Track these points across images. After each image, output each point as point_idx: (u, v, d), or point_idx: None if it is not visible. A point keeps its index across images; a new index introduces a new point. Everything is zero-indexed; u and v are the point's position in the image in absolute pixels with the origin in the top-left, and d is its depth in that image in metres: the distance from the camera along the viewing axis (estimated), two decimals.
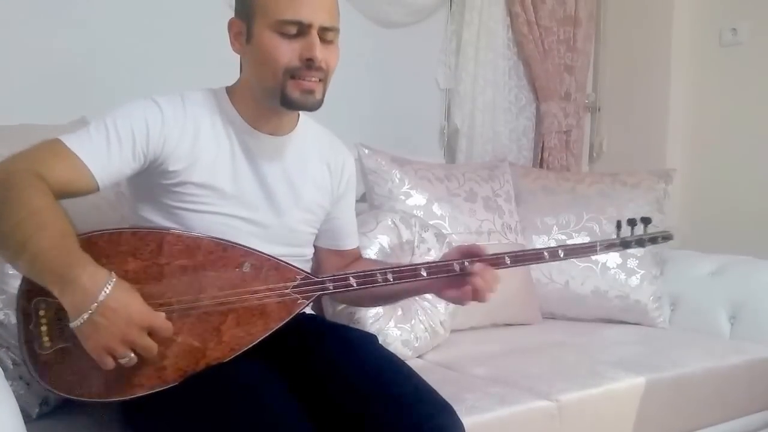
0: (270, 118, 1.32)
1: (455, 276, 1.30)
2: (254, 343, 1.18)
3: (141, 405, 1.13)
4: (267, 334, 1.19)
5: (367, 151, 2.11)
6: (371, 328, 1.74)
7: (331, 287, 1.25)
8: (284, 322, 1.20)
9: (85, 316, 1.01)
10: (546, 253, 1.38)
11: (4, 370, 1.25)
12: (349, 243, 1.54)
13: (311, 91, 1.25)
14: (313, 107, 1.28)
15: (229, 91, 1.34)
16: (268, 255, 1.22)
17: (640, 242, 1.47)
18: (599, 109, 3.10)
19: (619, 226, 1.46)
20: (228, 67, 1.38)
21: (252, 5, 1.25)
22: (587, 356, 1.88)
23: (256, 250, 1.22)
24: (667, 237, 1.53)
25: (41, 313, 1.11)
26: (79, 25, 1.97)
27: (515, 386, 1.62)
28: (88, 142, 1.18)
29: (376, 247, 1.84)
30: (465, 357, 1.86)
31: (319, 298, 1.41)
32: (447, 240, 2.02)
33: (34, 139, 1.17)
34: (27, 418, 1.18)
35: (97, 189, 1.19)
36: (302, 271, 1.25)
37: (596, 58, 3.08)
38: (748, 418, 2.00)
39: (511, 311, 2.21)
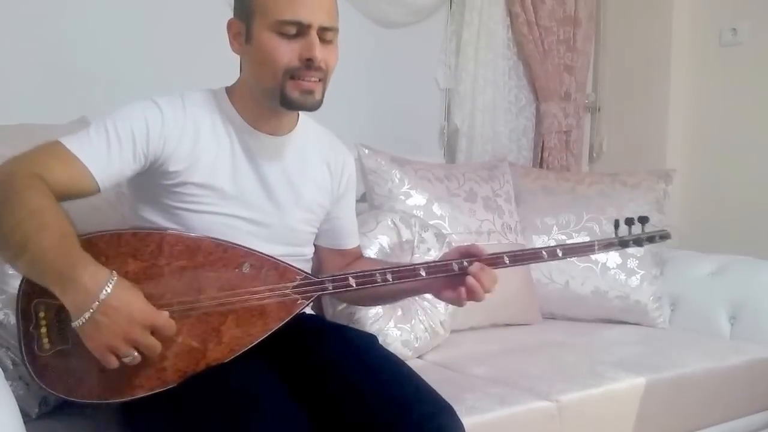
0: (270, 118, 1.32)
1: (451, 277, 1.29)
2: (254, 344, 1.18)
3: (141, 406, 1.13)
4: (267, 335, 1.19)
5: (367, 151, 2.11)
6: (371, 328, 1.74)
7: (330, 287, 1.25)
8: (284, 322, 1.20)
9: (87, 315, 1.01)
10: (545, 253, 1.38)
11: (4, 370, 1.25)
12: (350, 242, 1.54)
13: (311, 92, 1.25)
14: (312, 107, 1.28)
15: (229, 91, 1.34)
16: (268, 255, 1.22)
17: (638, 241, 1.48)
18: (599, 109, 3.10)
19: (617, 225, 1.46)
20: (228, 67, 1.38)
21: (251, 6, 1.25)
22: (587, 356, 1.88)
23: (255, 251, 1.22)
24: (664, 236, 1.53)
25: (41, 314, 1.11)
26: (80, 25, 1.97)
27: (515, 386, 1.62)
28: (88, 144, 1.18)
29: (376, 247, 1.84)
30: (465, 357, 1.86)
31: (319, 298, 1.41)
32: (447, 240, 2.02)
33: (34, 139, 1.17)
34: (26, 418, 1.18)
35: (98, 190, 1.19)
36: (302, 271, 1.25)
37: (596, 58, 3.08)
38: (748, 419, 1.99)
39: (511, 311, 2.21)
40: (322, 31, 1.23)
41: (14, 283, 1.20)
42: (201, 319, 1.16)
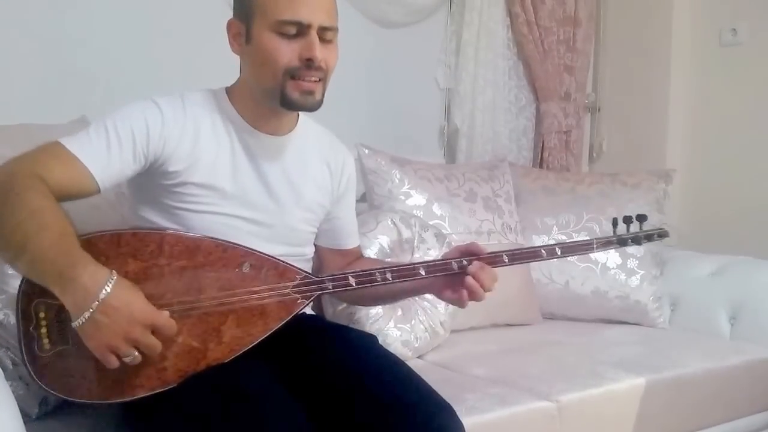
0: (270, 118, 1.32)
1: (452, 277, 1.29)
2: (254, 344, 1.18)
3: (141, 406, 1.13)
4: (267, 335, 1.19)
5: (367, 151, 2.11)
6: (371, 328, 1.74)
7: (330, 287, 1.25)
8: (284, 322, 1.20)
9: (87, 314, 1.01)
10: (544, 251, 1.38)
11: (4, 370, 1.25)
12: (350, 242, 1.54)
13: (311, 92, 1.25)
14: (312, 108, 1.28)
15: (229, 91, 1.34)
16: (268, 255, 1.22)
17: (637, 239, 1.48)
18: (599, 109, 3.10)
19: (615, 223, 1.47)
20: (228, 67, 1.38)
21: (251, 6, 1.25)
22: (587, 357, 1.88)
23: (255, 251, 1.22)
24: (662, 234, 1.53)
25: (41, 315, 1.10)
26: (80, 25, 1.97)
27: (515, 387, 1.62)
28: (88, 144, 1.18)
29: (376, 247, 1.84)
30: (465, 357, 1.86)
31: (318, 298, 1.41)
32: (447, 240, 2.02)
33: (34, 139, 1.17)
34: (26, 418, 1.18)
35: (98, 191, 1.19)
36: (302, 270, 1.25)
37: (596, 58, 3.08)
38: (748, 419, 1.99)
39: (511, 311, 2.21)
40: (322, 30, 1.23)
41: (14, 283, 1.20)
42: (201, 319, 1.16)
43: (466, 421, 1.20)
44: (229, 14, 1.31)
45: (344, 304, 1.75)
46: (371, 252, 1.81)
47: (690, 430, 1.87)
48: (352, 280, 1.24)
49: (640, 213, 1.48)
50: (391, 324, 1.80)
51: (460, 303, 1.31)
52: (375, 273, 1.25)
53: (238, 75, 1.35)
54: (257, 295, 1.19)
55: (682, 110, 2.89)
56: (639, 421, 1.72)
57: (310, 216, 1.42)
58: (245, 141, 1.31)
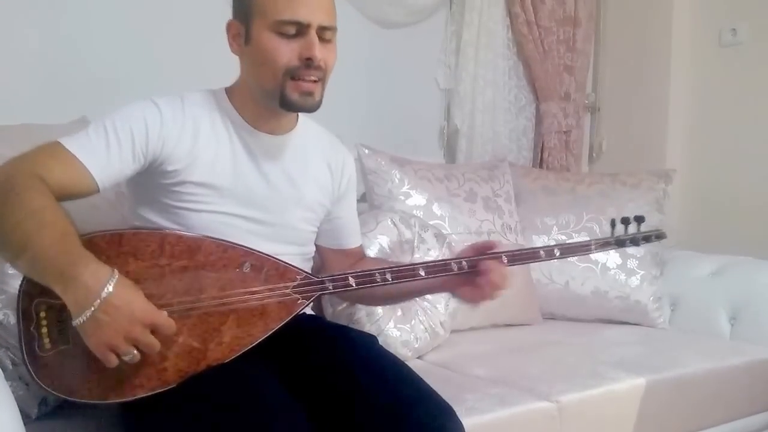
0: (269, 118, 1.32)
1: (467, 275, 1.30)
2: (254, 344, 1.18)
3: (141, 405, 1.13)
4: (267, 335, 1.19)
5: (367, 151, 2.11)
6: (371, 328, 1.74)
7: (330, 287, 1.25)
8: (284, 322, 1.20)
9: (88, 313, 1.01)
10: (542, 252, 1.38)
11: (4, 370, 1.25)
12: (352, 242, 1.54)
13: (310, 93, 1.25)
14: (311, 109, 1.28)
15: (229, 91, 1.35)
16: (268, 255, 1.22)
17: (634, 241, 1.49)
18: (599, 109, 3.10)
19: (613, 224, 1.47)
20: (228, 67, 1.38)
21: (250, 6, 1.25)
22: (587, 357, 1.88)
23: (256, 251, 1.22)
24: (660, 236, 1.54)
25: (42, 314, 1.10)
26: (80, 25, 1.97)
27: (515, 387, 1.62)
28: (87, 144, 1.18)
29: (376, 247, 1.84)
30: (465, 358, 1.86)
31: (318, 298, 1.41)
32: (447, 240, 2.02)
33: (34, 139, 1.17)
34: (26, 418, 1.18)
35: (98, 190, 1.19)
36: (302, 271, 1.25)
37: (596, 58, 3.08)
38: (748, 419, 1.99)
39: (511, 312, 2.21)
40: (321, 30, 1.23)
41: (14, 283, 1.20)
42: (202, 319, 1.15)
43: (466, 421, 1.20)
44: (230, 14, 1.31)
45: (344, 304, 1.75)
46: (371, 252, 1.81)
47: (690, 430, 1.87)
48: (352, 281, 1.24)
49: (637, 215, 1.48)
50: (391, 324, 1.80)
51: (475, 300, 1.31)
52: (375, 274, 1.25)
53: (238, 75, 1.35)
54: (258, 296, 1.19)
55: (682, 110, 2.89)
56: (639, 421, 1.72)
57: (311, 215, 1.42)
58: (245, 140, 1.31)
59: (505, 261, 1.33)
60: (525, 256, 1.40)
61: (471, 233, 2.18)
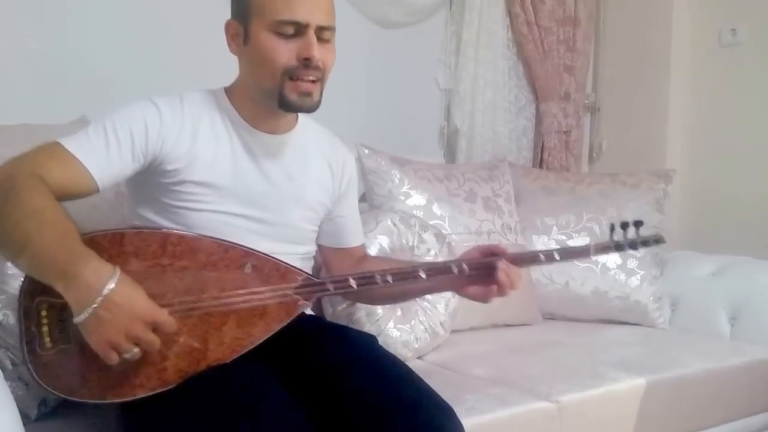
0: (268, 117, 1.32)
1: (477, 274, 1.30)
2: (255, 345, 1.18)
3: (141, 405, 1.13)
4: (268, 336, 1.19)
5: (367, 151, 2.11)
6: (371, 328, 1.74)
7: (331, 289, 1.25)
8: (284, 323, 1.20)
9: (89, 310, 1.01)
10: (542, 256, 1.39)
11: (3, 370, 1.25)
12: (353, 241, 1.54)
13: (309, 93, 1.25)
14: (310, 109, 1.28)
15: (228, 90, 1.35)
16: (269, 256, 1.22)
17: (633, 245, 1.49)
18: (599, 110, 3.10)
19: (612, 229, 1.47)
20: (229, 67, 1.38)
21: (248, 6, 1.25)
22: (587, 357, 1.88)
23: (257, 251, 1.22)
24: (658, 240, 1.54)
25: (43, 313, 1.10)
26: (80, 26, 1.97)
27: (515, 387, 1.62)
28: (87, 145, 1.19)
29: (376, 247, 1.84)
30: (465, 358, 1.86)
31: (319, 298, 1.41)
32: (447, 240, 2.02)
33: (34, 139, 1.17)
34: (26, 419, 1.18)
35: (97, 190, 1.19)
36: (303, 272, 1.25)
37: (596, 58, 3.08)
38: (748, 420, 1.99)
39: (511, 312, 2.21)
40: (320, 30, 1.24)
41: (14, 283, 1.21)
42: (202, 319, 1.15)
43: (466, 421, 1.20)
44: (230, 14, 1.30)
45: (344, 304, 1.75)
46: (371, 253, 1.80)
47: (690, 430, 1.86)
48: (352, 282, 1.24)
49: (637, 219, 1.48)
50: (391, 324, 1.80)
51: (484, 299, 1.32)
52: (376, 275, 1.25)
53: (238, 75, 1.35)
54: (258, 296, 1.19)
55: (682, 110, 2.89)
56: (639, 421, 1.72)
57: (311, 214, 1.42)
58: (244, 139, 1.31)
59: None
60: (525, 260, 1.40)
61: (471, 233, 2.18)
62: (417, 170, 2.18)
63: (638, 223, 1.48)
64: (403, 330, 1.82)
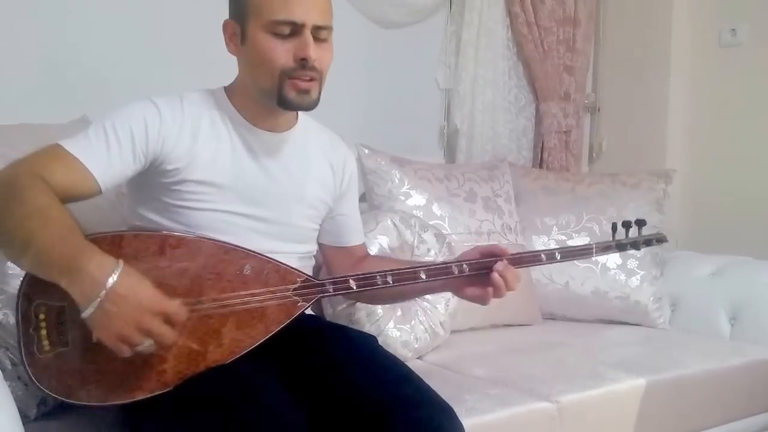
0: (267, 116, 1.33)
1: (475, 275, 1.30)
2: (254, 346, 1.18)
3: (140, 406, 1.13)
4: (267, 337, 1.19)
5: (367, 151, 2.11)
6: (371, 328, 1.74)
7: (331, 290, 1.25)
8: (284, 324, 1.20)
9: (95, 303, 1.00)
10: (543, 256, 1.39)
11: (3, 370, 1.24)
12: (354, 239, 1.54)
13: (307, 91, 1.25)
14: (309, 107, 1.28)
15: (227, 90, 1.35)
16: (269, 257, 1.22)
17: (635, 244, 1.49)
18: (599, 110, 3.10)
19: (614, 228, 1.47)
20: (229, 66, 1.38)
21: (245, 6, 1.25)
22: (587, 357, 1.88)
23: (257, 253, 1.22)
24: (661, 239, 1.54)
25: (41, 316, 1.10)
26: (80, 26, 1.96)
27: (515, 387, 1.62)
28: (88, 146, 1.19)
29: (375, 247, 1.84)
30: (465, 358, 1.86)
31: (319, 299, 1.41)
32: (446, 240, 2.02)
33: (34, 139, 1.18)
34: (25, 419, 1.18)
35: (99, 192, 1.20)
36: (302, 273, 1.25)
37: (596, 58, 3.08)
38: (748, 420, 1.99)
39: (511, 312, 2.21)
40: (316, 30, 1.24)
41: (14, 283, 1.20)
42: (202, 320, 1.15)
43: (466, 422, 1.20)
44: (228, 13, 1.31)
45: (344, 304, 1.75)
46: (371, 252, 1.80)
47: (690, 430, 1.87)
48: (352, 283, 1.24)
49: (639, 218, 1.48)
50: (391, 324, 1.79)
51: (482, 300, 1.32)
52: (376, 276, 1.25)
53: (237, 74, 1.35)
54: (258, 298, 1.19)
55: (682, 110, 2.89)
56: (639, 421, 1.72)
57: (312, 212, 1.42)
58: (244, 137, 1.32)
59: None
60: (526, 261, 1.40)
61: (471, 233, 2.18)
62: (417, 170, 2.18)
63: (640, 223, 1.48)
64: (403, 330, 1.82)
